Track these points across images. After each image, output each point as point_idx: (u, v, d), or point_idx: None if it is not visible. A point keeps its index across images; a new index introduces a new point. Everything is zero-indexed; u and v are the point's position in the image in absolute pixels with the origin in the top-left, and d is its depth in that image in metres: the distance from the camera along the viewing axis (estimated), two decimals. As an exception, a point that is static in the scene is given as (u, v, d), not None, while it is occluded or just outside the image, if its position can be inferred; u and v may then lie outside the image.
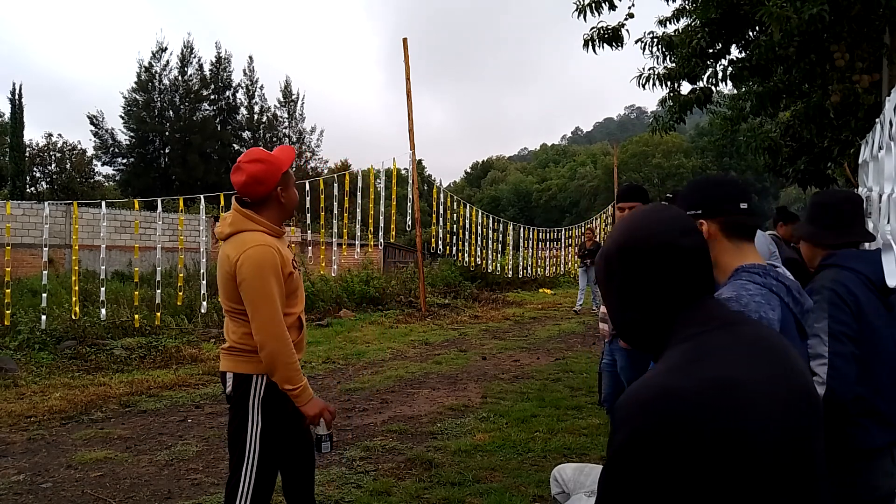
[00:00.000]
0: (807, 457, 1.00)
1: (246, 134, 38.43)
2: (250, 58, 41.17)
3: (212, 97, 36.79)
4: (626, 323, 1.17)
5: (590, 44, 6.23)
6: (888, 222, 2.22)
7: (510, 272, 17.90)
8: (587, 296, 13.15)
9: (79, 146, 36.83)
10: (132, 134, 35.06)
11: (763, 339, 1.07)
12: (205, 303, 9.40)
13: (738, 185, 1.67)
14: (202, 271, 9.53)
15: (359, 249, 11.84)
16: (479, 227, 15.90)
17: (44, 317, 8.02)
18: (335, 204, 11.03)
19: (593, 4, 5.98)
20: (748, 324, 1.09)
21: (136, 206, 12.04)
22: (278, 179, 2.36)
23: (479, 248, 16.12)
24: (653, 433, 0.93)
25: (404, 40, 12.39)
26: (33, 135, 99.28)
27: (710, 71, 6.40)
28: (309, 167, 38.87)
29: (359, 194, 11.26)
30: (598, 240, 13.84)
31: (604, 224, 22.20)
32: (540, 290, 18.32)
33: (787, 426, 0.97)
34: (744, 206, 1.63)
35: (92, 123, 34.78)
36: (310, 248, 16.37)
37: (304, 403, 2.30)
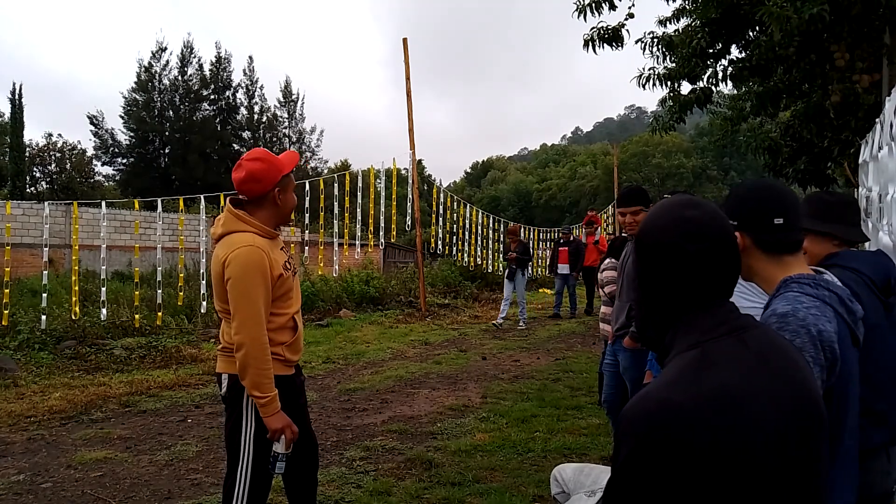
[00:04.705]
0: (808, 462, 1.01)
1: (246, 134, 38.45)
2: (250, 58, 41.18)
3: (212, 97, 36.79)
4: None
5: (590, 44, 6.25)
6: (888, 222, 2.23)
7: (510, 272, 17.86)
8: (515, 306, 11.31)
9: (79, 146, 36.74)
10: (132, 134, 35.07)
11: (770, 345, 1.08)
12: (205, 303, 9.39)
13: (776, 197, 1.53)
14: (202, 271, 9.53)
15: (359, 249, 11.83)
16: (479, 227, 15.88)
17: (44, 317, 8.01)
18: (335, 204, 11.03)
19: (593, 4, 6.00)
20: (756, 329, 1.11)
21: (136, 206, 12.04)
22: (277, 180, 2.37)
23: (479, 248, 16.10)
24: (653, 446, 0.95)
25: (404, 40, 12.40)
26: (33, 135, 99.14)
27: (710, 71, 6.42)
28: (309, 167, 38.89)
29: (359, 194, 11.26)
30: (523, 240, 12.00)
31: (604, 224, 22.18)
32: (540, 290, 18.28)
33: (787, 435, 0.99)
34: (778, 221, 1.50)
35: (92, 123, 34.82)
36: (307, 248, 16.36)
37: (268, 415, 2.28)
